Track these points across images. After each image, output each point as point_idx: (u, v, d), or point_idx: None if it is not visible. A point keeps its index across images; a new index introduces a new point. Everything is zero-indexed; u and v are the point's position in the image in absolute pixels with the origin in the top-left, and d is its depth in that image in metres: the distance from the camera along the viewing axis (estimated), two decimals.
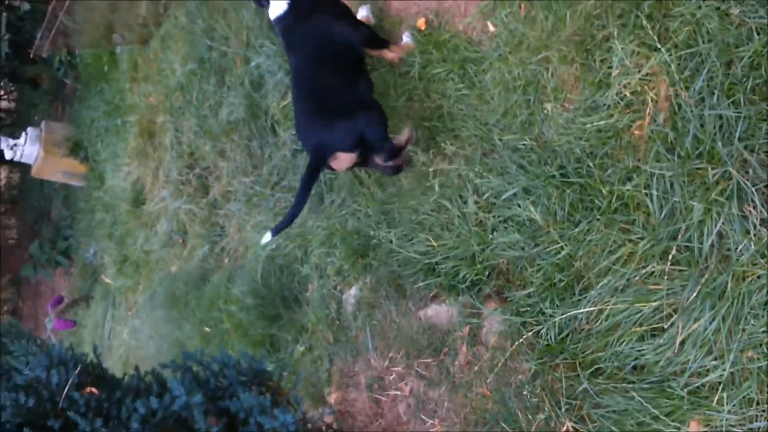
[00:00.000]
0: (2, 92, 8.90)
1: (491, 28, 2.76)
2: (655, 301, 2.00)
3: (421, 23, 3.07)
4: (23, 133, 6.70)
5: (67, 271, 7.71)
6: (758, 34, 1.91)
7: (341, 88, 2.78)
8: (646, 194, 2.12)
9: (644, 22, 2.16)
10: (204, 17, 4.76)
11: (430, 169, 2.91)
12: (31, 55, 5.84)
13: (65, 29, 6.32)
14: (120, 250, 5.76)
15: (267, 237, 2.91)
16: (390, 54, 3.06)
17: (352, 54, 2.87)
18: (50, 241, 7.67)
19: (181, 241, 4.77)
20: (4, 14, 6.96)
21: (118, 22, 6.13)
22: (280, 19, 2.81)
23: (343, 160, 2.76)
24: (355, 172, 3.28)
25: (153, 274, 5.08)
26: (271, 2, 2.82)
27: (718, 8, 2.00)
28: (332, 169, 2.87)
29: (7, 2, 6.61)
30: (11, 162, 7.35)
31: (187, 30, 4.96)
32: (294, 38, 2.81)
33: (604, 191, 2.24)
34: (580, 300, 2.18)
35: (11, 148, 6.60)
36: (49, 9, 5.95)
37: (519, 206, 2.48)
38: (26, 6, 6.61)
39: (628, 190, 2.17)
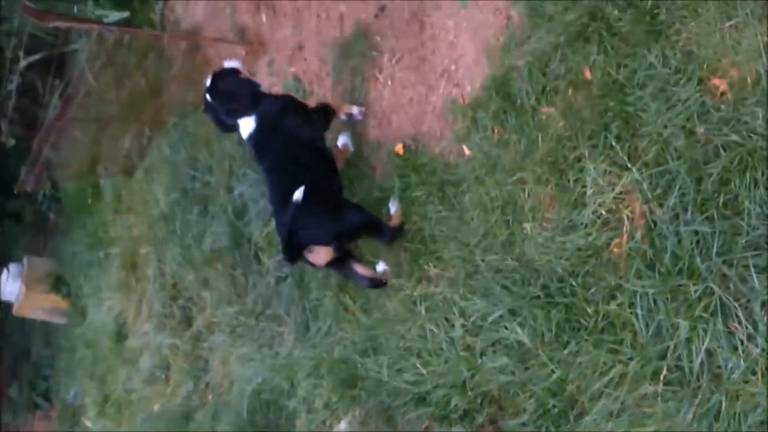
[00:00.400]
0: None
1: (467, 152, 2.83)
2: (651, 425, 1.93)
3: (399, 148, 3.14)
4: (4, 270, 6.63)
5: (46, 414, 7.40)
6: (724, 150, 1.96)
7: (317, 184, 2.92)
8: (631, 313, 2.10)
9: (613, 143, 2.22)
10: (187, 148, 4.85)
11: (415, 293, 2.88)
12: (15, 191, 5.87)
13: (50, 163, 6.41)
14: (101, 390, 5.56)
15: None
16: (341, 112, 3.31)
17: (314, 145, 3.11)
18: (29, 383, 7.42)
19: (164, 377, 4.62)
20: None
21: (102, 155, 6.24)
22: (251, 136, 3.05)
23: (320, 253, 2.87)
24: (340, 298, 3.25)
25: (135, 416, 4.88)
26: (240, 123, 3.06)
27: (684, 127, 2.06)
28: (311, 264, 2.95)
29: None
30: None
31: (170, 161, 5.04)
32: (263, 147, 3.06)
33: (589, 310, 2.21)
34: (575, 428, 2.10)
35: None
36: (34, 144, 6.05)
37: (506, 328, 2.44)
38: (11, 142, 6.72)
39: (612, 309, 2.14)
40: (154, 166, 5.31)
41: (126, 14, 5.52)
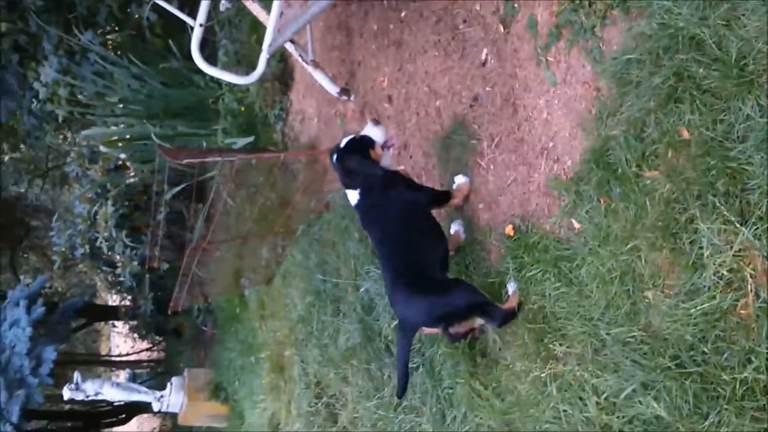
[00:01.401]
0: (152, 345, 9.72)
1: (576, 225, 2.81)
2: None
3: (509, 230, 3.18)
4: (168, 384, 7.18)
5: None
6: None
7: (422, 263, 3.08)
8: None
9: (723, 200, 2.15)
10: (316, 252, 5.14)
11: (544, 374, 2.83)
12: (169, 310, 6.42)
13: (200, 280, 7.00)
14: None
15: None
16: (454, 201, 3.44)
17: (421, 214, 3.25)
18: None
19: None
20: (147, 276, 7.82)
21: (244, 267, 6.73)
22: (357, 206, 3.24)
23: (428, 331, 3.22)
24: (471, 384, 3.25)
25: None
26: (348, 193, 3.27)
27: None
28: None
29: (148, 266, 7.45)
30: (159, 412, 7.82)
31: (303, 266, 5.35)
32: (369, 220, 3.27)
33: (725, 377, 2.09)
34: None
35: (158, 400, 7.07)
36: (183, 264, 6.64)
37: (641, 403, 2.34)
38: (165, 266, 7.42)
39: (750, 374, 2.01)
40: (290, 272, 5.65)
41: (251, 139, 6.07)
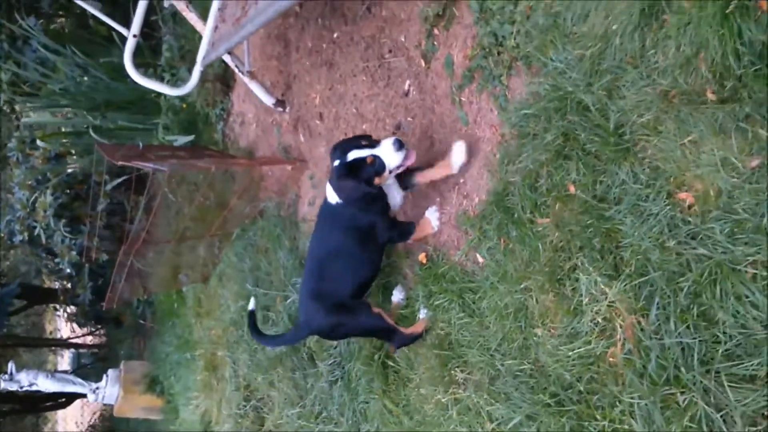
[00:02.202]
0: (92, 332, 9.68)
1: (480, 260, 2.98)
2: None
3: (422, 257, 3.33)
4: (104, 376, 7.21)
5: None
6: (696, 262, 2.04)
7: (348, 283, 3.18)
8: (633, 420, 2.16)
9: (599, 255, 2.33)
10: (250, 256, 5.24)
11: (446, 398, 3.01)
12: (104, 307, 6.44)
13: (139, 272, 7.03)
14: None
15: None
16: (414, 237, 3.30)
17: (374, 242, 3.19)
18: None
19: None
20: (87, 265, 7.80)
21: (183, 264, 6.77)
22: (327, 207, 3.16)
23: None
24: (384, 401, 3.41)
25: None
26: (328, 188, 3.11)
27: (657, 240, 2.15)
28: None
29: (87, 256, 7.42)
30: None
31: (238, 269, 5.44)
32: (327, 219, 3.21)
33: (597, 416, 2.29)
34: None
35: (94, 392, 7.10)
36: (120, 255, 6.65)
37: None
38: (104, 256, 7.42)
39: (617, 416, 2.21)
40: (225, 274, 5.73)
41: (191, 137, 6.09)
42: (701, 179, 2.08)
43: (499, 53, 2.87)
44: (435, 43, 3.29)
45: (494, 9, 2.86)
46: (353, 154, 2.92)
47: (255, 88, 4.62)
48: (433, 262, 3.27)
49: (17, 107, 8.55)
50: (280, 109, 4.74)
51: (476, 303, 2.96)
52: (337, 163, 2.97)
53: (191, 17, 4.37)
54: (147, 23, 6.73)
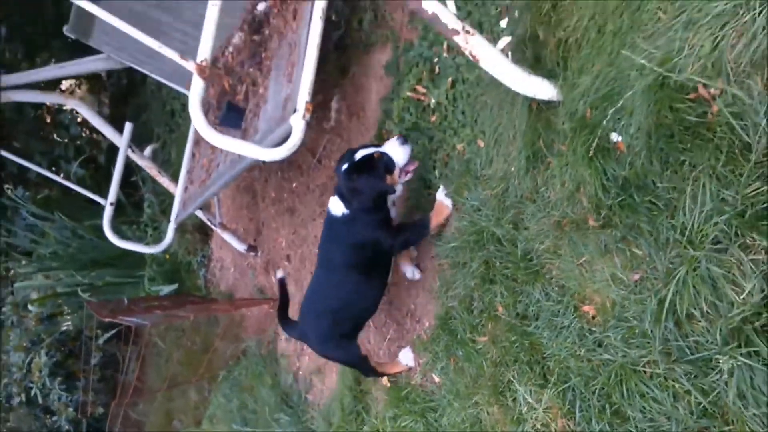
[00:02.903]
0: None
1: (437, 380, 3.24)
2: None
3: (385, 381, 3.58)
4: None
5: None
6: (603, 367, 2.33)
7: (350, 315, 3.26)
8: None
9: (528, 367, 2.61)
10: (237, 395, 5.42)
11: None
12: None
13: (136, 422, 7.16)
14: None
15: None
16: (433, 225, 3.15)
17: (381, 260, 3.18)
18: None
19: None
20: (84, 420, 7.90)
21: (175, 409, 6.91)
22: (334, 219, 3.10)
23: None
24: None
25: None
26: (332, 200, 3.10)
27: (571, 349, 2.45)
28: None
29: (83, 411, 7.55)
30: None
31: (226, 409, 5.60)
32: (333, 235, 3.17)
33: None
34: None
35: None
36: (112, 406, 6.79)
37: None
38: (100, 410, 7.55)
39: None
40: (215, 416, 5.87)
41: (175, 286, 6.42)
42: (598, 293, 2.40)
43: (428, 194, 3.27)
44: None
45: (420, 157, 3.29)
46: (361, 153, 2.94)
47: (227, 237, 5.01)
48: (396, 386, 3.51)
49: (10, 271, 8.94)
50: (253, 253, 5.11)
51: (438, 421, 3.19)
52: (345, 166, 2.95)
53: (164, 181, 4.82)
54: (128, 183, 7.26)
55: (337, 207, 3.04)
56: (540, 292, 2.59)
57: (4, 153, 4.71)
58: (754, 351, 1.83)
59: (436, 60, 3.23)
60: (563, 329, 2.49)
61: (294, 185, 4.56)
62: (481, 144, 2.95)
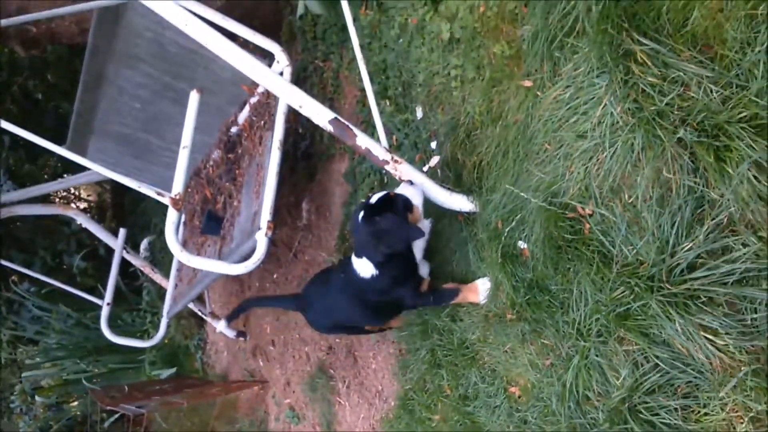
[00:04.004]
0: None
1: None
2: None
3: None
4: None
5: None
6: None
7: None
8: None
9: None
10: None
11: None
12: None
13: None
14: None
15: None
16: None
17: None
18: None
19: None
20: None
21: None
22: (366, 281, 2.87)
23: None
24: None
25: None
26: (356, 263, 2.87)
27: (504, 426, 2.84)
28: None
29: None
30: None
31: None
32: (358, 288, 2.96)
33: None
34: None
35: None
36: None
37: None
38: None
39: None
40: None
41: (174, 369, 6.80)
42: (521, 376, 2.81)
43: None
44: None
45: None
46: (375, 197, 2.75)
47: (218, 326, 5.43)
48: None
49: (18, 360, 9.32)
50: (242, 338, 5.51)
51: None
52: (362, 213, 2.73)
53: (156, 277, 5.28)
54: (128, 272, 7.72)
55: (365, 269, 2.82)
56: (476, 375, 2.99)
57: (5, 263, 5.15)
58: (630, 428, 2.23)
59: (384, 172, 3.71)
60: (496, 408, 2.89)
61: (275, 276, 5.01)
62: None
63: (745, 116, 1.94)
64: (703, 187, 2.05)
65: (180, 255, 3.09)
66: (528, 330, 2.72)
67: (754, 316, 1.94)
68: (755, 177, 1.90)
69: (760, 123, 1.90)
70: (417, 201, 2.79)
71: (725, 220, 2.02)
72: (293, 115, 4.40)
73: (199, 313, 5.39)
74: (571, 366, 2.47)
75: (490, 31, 2.93)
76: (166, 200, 3.13)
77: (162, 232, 7.52)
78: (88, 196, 11.74)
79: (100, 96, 4.37)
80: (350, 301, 3.05)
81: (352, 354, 4.11)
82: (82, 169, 5.32)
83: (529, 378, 2.75)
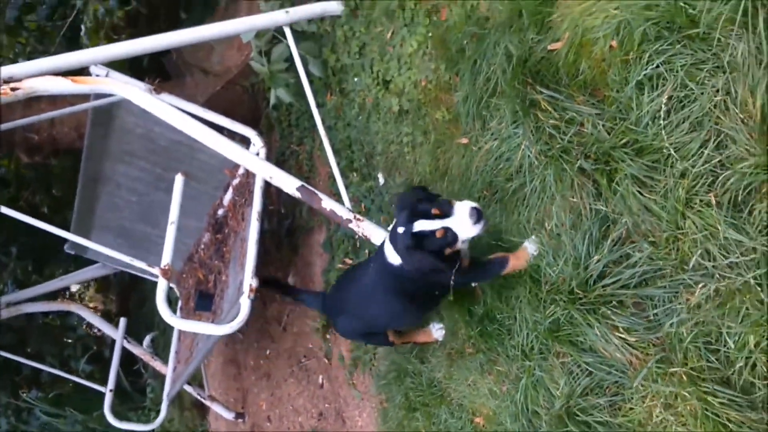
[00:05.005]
0: None
1: None
2: None
3: None
4: None
5: None
6: None
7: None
8: None
9: None
10: None
11: None
12: None
13: None
14: None
15: None
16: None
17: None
18: None
19: None
20: None
21: None
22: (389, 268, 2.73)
23: None
24: None
25: None
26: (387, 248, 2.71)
27: None
28: None
29: None
30: None
31: None
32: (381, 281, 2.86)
33: None
34: None
35: None
36: None
37: None
38: None
39: None
40: None
41: None
42: (484, 405, 3.04)
43: (366, 345, 3.97)
44: (330, 344, 4.41)
45: None
46: (420, 225, 2.47)
47: (216, 408, 5.62)
48: None
49: None
50: (240, 419, 5.68)
51: None
52: (402, 230, 2.52)
53: (156, 364, 5.54)
54: (132, 371, 7.95)
55: (393, 255, 2.66)
56: (446, 412, 3.21)
57: (14, 357, 5.43)
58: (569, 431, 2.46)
59: (357, 236, 4.07)
60: None
61: (268, 352, 5.26)
62: None
63: (626, 142, 2.31)
64: (605, 207, 2.39)
65: (170, 319, 3.39)
66: (484, 360, 2.97)
67: (655, 311, 2.23)
68: (639, 192, 2.24)
69: (637, 146, 2.27)
70: (464, 237, 2.50)
71: (624, 232, 2.34)
72: (276, 196, 4.83)
73: (198, 397, 5.59)
74: (520, 386, 2.72)
75: (432, 101, 3.36)
76: (156, 271, 3.47)
77: (165, 331, 7.78)
78: (94, 306, 12.09)
79: (99, 193, 4.80)
80: (383, 294, 2.88)
81: (340, 416, 4.30)
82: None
83: (490, 406, 2.98)
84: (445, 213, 2.48)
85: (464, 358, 3.12)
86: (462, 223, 2.46)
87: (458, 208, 2.47)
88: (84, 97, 4.27)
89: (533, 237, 2.73)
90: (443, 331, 3.30)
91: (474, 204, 2.46)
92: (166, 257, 3.47)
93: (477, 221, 2.44)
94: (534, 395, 2.66)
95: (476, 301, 3.04)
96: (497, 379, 2.94)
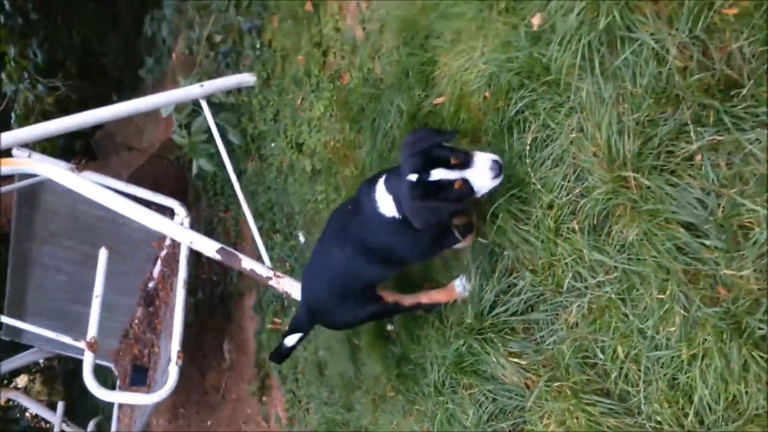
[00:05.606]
0: None
1: None
2: None
3: None
4: None
5: None
6: None
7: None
8: None
9: None
10: None
11: None
12: None
13: None
14: None
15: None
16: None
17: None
18: None
19: None
20: None
21: None
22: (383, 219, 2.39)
23: None
24: None
25: None
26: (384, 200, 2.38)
27: None
28: None
29: None
30: None
31: None
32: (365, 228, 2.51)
33: None
34: None
35: None
36: None
37: None
38: None
39: None
40: None
41: None
42: None
43: (299, 401, 4.03)
44: (266, 407, 4.44)
45: (288, 375, 4.09)
46: (439, 174, 2.22)
47: None
48: None
49: None
50: None
51: None
52: (414, 177, 2.22)
53: None
54: None
55: (386, 205, 2.37)
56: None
57: None
58: None
59: (284, 297, 4.17)
60: None
61: (209, 423, 5.23)
62: (321, 353, 3.81)
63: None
64: (492, 242, 2.58)
65: (97, 392, 3.42)
66: (404, 401, 3.08)
67: (541, 334, 2.40)
68: (516, 225, 2.44)
69: (513, 182, 2.48)
70: (482, 189, 2.28)
71: (510, 264, 2.53)
72: (208, 265, 4.92)
73: None
74: (436, 422, 2.83)
75: (341, 159, 3.56)
76: (82, 344, 3.51)
77: (110, 416, 7.61)
78: (40, 398, 11.75)
79: (28, 276, 4.81)
80: (365, 254, 2.53)
81: None
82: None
83: None
84: (464, 163, 2.24)
85: (386, 401, 3.22)
86: (482, 175, 2.24)
87: (479, 159, 2.25)
88: (8, 180, 4.34)
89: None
90: (469, 286, 2.69)
91: (495, 156, 2.26)
92: (92, 330, 3.51)
93: (497, 175, 2.25)
94: (449, 429, 2.77)
95: (394, 344, 3.16)
96: (418, 419, 3.04)
